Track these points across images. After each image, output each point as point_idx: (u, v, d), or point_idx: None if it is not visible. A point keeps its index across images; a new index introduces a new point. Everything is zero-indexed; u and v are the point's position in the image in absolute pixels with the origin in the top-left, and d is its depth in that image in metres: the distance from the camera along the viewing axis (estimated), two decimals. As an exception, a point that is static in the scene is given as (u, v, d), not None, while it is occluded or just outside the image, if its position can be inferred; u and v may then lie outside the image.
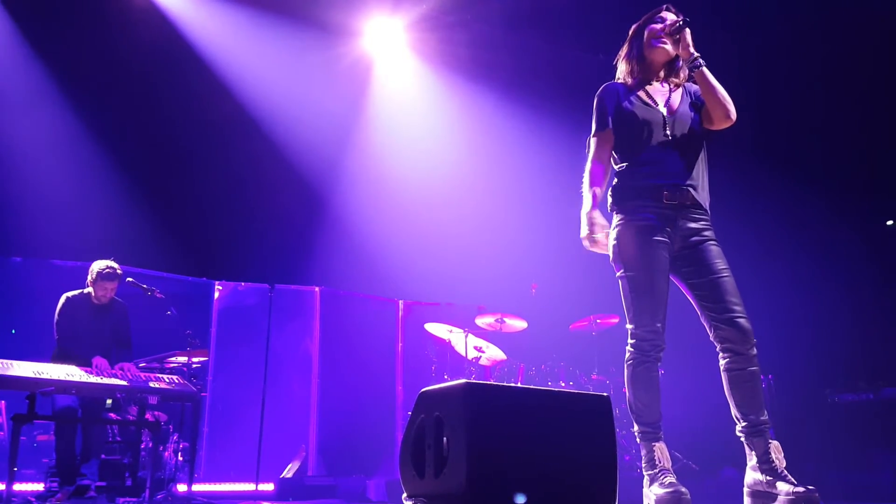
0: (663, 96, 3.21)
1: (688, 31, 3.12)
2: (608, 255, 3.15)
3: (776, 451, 2.88)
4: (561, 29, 7.77)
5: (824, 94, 7.24)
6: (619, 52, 3.34)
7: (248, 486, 6.34)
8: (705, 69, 3.08)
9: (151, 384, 4.71)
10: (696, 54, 3.10)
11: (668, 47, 3.18)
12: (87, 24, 7.16)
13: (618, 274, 3.11)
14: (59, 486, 4.59)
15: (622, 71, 3.31)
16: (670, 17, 3.21)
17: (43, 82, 7.17)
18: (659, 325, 3.01)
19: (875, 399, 6.25)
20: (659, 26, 3.19)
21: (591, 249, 3.14)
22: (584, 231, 3.10)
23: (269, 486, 6.38)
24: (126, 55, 7.28)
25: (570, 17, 7.55)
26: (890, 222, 7.67)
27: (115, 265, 5.31)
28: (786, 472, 2.83)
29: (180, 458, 5.26)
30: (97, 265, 5.30)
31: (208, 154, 7.76)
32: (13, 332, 6.64)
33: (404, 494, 2.41)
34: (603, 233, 3.08)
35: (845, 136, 7.23)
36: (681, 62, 3.22)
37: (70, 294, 5.30)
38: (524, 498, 2.11)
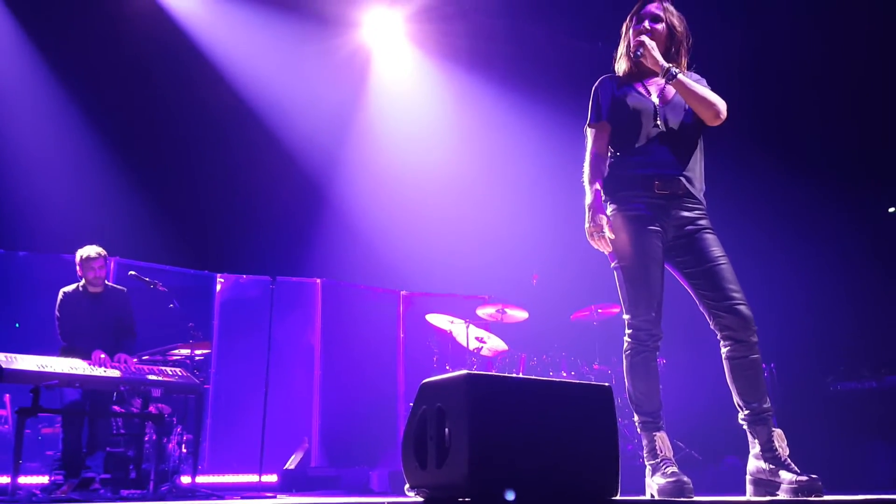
0: (657, 87, 3.19)
1: (651, 48, 3.09)
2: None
3: (779, 439, 2.87)
4: (559, 18, 7.74)
5: (824, 79, 7.20)
6: (616, 51, 3.33)
7: (252, 478, 6.37)
8: (681, 77, 3.05)
9: (154, 377, 4.72)
10: (667, 66, 3.06)
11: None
12: (85, 16, 7.13)
13: (612, 265, 3.11)
14: (64, 478, 4.61)
15: (620, 68, 3.30)
16: (651, 11, 3.18)
17: (45, 80, 7.17)
18: (654, 314, 3.01)
19: (878, 387, 6.24)
20: (640, 26, 3.17)
21: (595, 245, 3.07)
22: (587, 224, 3.07)
23: (272, 478, 6.42)
24: (125, 48, 7.26)
25: (568, 5, 7.53)
26: (892, 209, 7.64)
27: (97, 247, 5.30)
28: (789, 460, 2.82)
29: (184, 450, 5.28)
30: (79, 252, 5.29)
31: (208, 147, 7.76)
32: (17, 325, 6.66)
33: (407, 485, 2.41)
34: (608, 227, 3.02)
35: (846, 122, 7.20)
36: (673, 49, 3.20)
37: (66, 289, 5.30)
38: (513, 495, 2.11)
